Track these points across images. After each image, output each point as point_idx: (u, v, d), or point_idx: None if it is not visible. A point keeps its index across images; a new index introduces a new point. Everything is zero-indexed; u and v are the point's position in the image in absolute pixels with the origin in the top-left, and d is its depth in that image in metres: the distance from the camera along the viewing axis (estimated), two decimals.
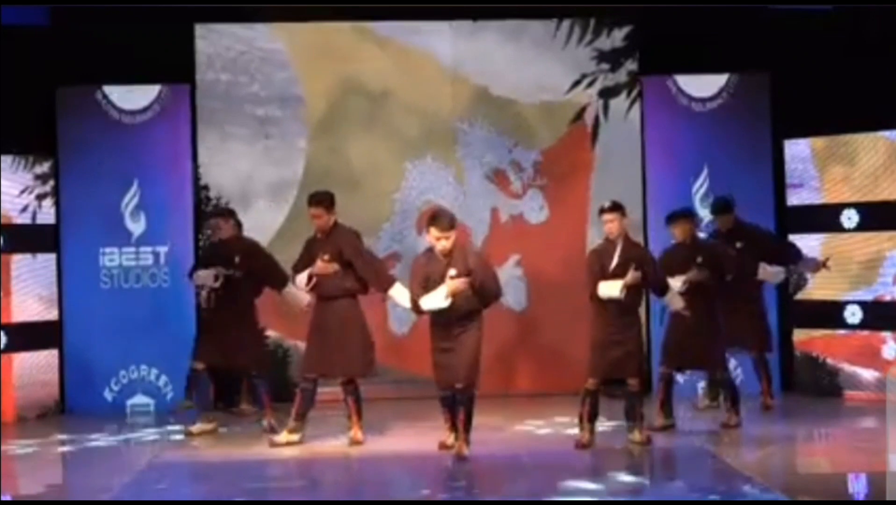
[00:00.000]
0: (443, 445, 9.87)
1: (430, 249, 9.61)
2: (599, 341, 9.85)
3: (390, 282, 10.21)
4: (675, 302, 10.30)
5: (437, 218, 9.55)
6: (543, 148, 12.64)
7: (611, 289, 9.75)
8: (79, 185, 12.09)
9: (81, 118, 12.13)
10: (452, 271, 9.38)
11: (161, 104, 12.18)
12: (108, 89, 12.11)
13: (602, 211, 9.98)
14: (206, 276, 10.76)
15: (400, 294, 10.06)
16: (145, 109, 12.16)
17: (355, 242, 10.11)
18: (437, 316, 9.50)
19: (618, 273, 9.77)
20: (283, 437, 10.12)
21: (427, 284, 9.48)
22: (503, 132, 12.63)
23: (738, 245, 11.13)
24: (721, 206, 11.44)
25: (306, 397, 10.13)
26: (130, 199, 12.11)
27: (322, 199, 10.04)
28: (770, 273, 11.28)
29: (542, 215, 12.66)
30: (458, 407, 9.58)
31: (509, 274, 12.46)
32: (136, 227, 12.16)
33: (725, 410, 10.63)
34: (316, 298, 10.18)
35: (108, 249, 12.13)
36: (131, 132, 12.15)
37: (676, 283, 10.29)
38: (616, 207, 9.92)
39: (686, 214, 10.74)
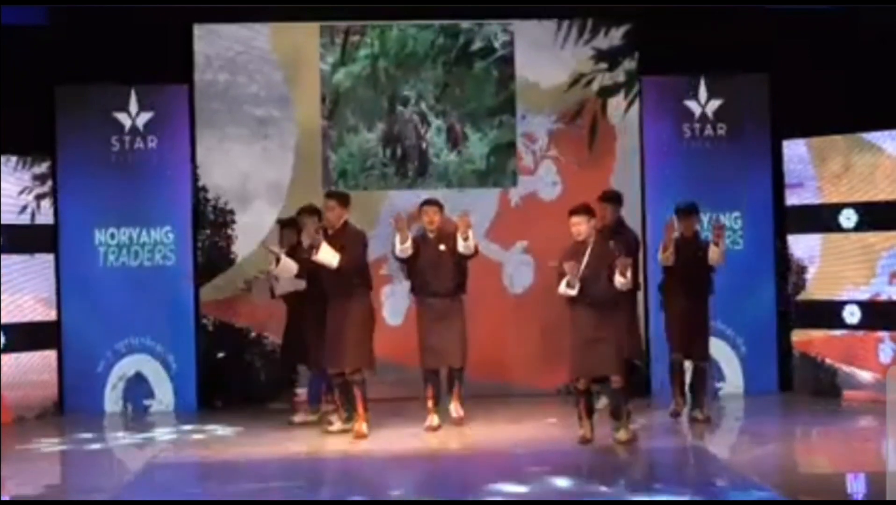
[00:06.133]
0: (430, 428, 10.53)
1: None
2: (579, 341, 9.87)
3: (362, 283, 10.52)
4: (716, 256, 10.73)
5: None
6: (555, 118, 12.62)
7: (561, 287, 9.85)
8: (77, 185, 12.09)
9: (80, 118, 12.11)
10: (441, 247, 10.64)
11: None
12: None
13: (569, 213, 10.02)
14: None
15: None
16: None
17: (356, 240, 10.42)
18: (427, 296, 10.61)
19: (587, 273, 9.80)
20: (338, 426, 10.63)
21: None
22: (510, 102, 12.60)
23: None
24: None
25: (341, 390, 10.57)
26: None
27: (338, 193, 10.73)
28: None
29: (556, 191, 12.57)
30: (453, 381, 10.81)
31: (518, 260, 12.49)
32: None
33: (697, 403, 10.78)
34: (329, 297, 10.43)
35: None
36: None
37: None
38: (581, 210, 9.97)
39: (696, 209, 10.98)
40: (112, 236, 12.15)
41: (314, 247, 10.25)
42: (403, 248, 10.57)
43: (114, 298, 12.05)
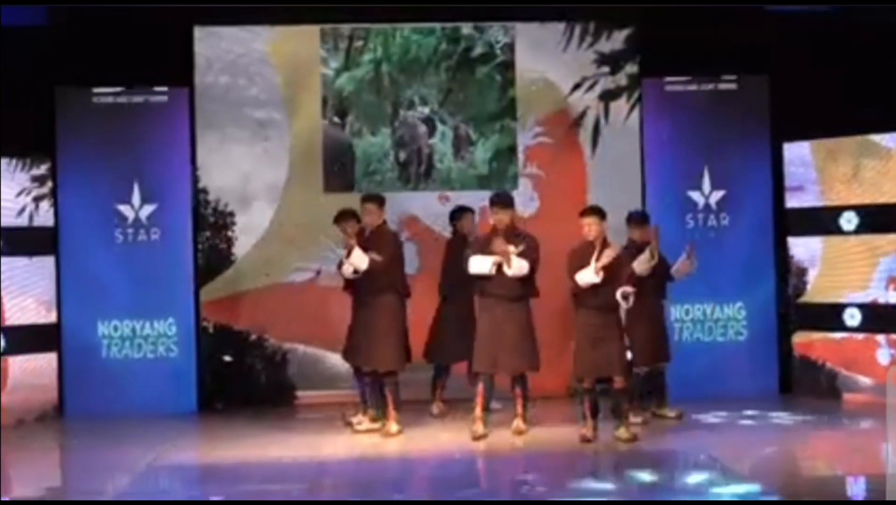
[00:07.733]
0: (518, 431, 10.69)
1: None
2: (583, 342, 10.09)
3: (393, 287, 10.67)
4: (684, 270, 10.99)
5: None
6: (536, 131, 12.63)
7: (587, 275, 9.97)
8: (77, 187, 12.07)
9: (80, 119, 12.08)
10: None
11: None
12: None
13: (580, 214, 10.27)
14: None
15: None
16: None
17: (391, 242, 10.69)
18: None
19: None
20: (365, 424, 10.75)
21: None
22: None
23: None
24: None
25: (373, 388, 10.75)
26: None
27: (376, 197, 10.91)
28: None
29: (533, 207, 12.54)
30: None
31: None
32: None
33: (653, 406, 11.00)
34: (358, 296, 10.70)
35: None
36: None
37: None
38: (593, 211, 10.22)
39: (648, 217, 11.15)
40: (115, 329, 12.14)
41: (348, 251, 10.47)
42: (521, 265, 10.41)
43: (117, 390, 11.97)
